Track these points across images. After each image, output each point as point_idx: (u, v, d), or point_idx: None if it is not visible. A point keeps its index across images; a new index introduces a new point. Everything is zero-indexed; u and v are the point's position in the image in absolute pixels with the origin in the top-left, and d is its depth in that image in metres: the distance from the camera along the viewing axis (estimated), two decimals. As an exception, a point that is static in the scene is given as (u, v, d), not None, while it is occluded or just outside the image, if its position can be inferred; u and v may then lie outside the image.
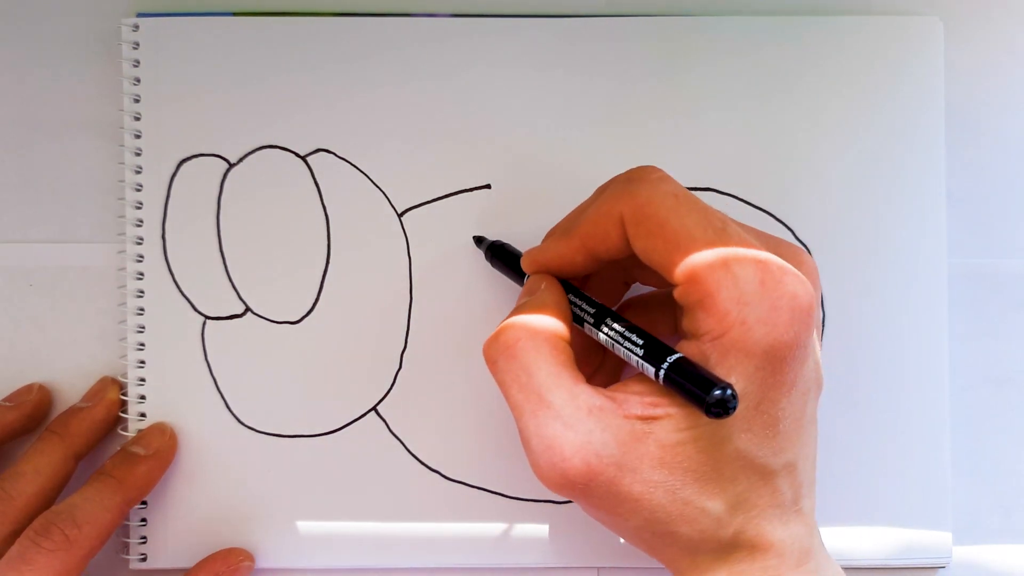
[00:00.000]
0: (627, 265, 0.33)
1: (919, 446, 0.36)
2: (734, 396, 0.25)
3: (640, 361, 0.28)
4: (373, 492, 0.36)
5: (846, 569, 0.36)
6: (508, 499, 0.36)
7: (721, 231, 0.27)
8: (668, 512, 0.27)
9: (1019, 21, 0.38)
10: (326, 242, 0.36)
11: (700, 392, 0.25)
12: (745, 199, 0.36)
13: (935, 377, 0.36)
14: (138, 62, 0.36)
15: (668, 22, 0.36)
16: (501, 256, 0.34)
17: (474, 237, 0.36)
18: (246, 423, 0.36)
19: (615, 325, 0.29)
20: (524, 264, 0.32)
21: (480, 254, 0.36)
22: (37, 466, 0.33)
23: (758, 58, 0.36)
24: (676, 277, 0.27)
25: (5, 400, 0.36)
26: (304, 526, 0.36)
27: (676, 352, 0.27)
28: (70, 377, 0.37)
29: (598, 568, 0.36)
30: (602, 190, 0.31)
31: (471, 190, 0.36)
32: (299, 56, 0.36)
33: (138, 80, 0.36)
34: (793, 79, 0.36)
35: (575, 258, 0.30)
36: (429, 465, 0.36)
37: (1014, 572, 0.37)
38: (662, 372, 0.27)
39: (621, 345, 0.28)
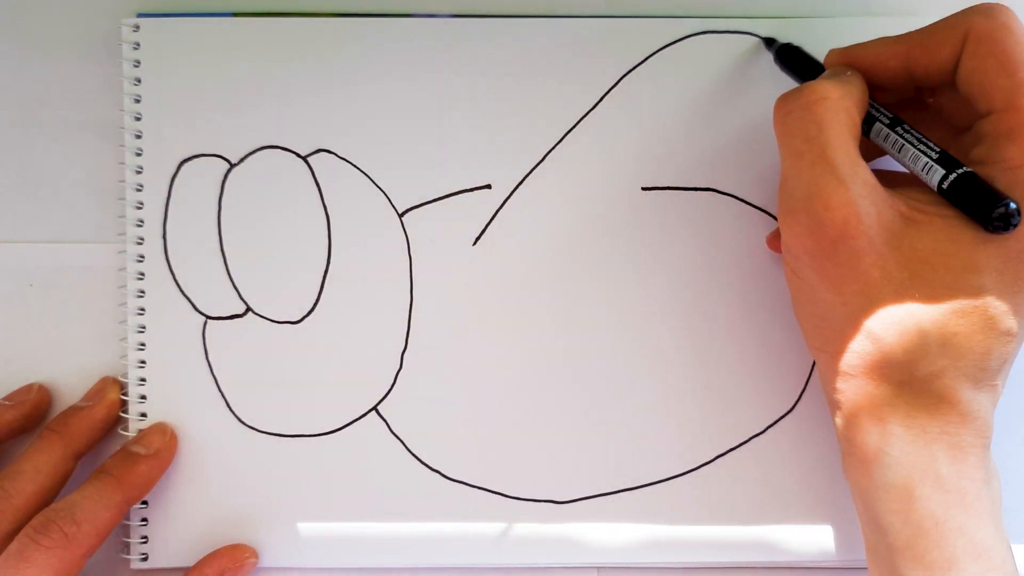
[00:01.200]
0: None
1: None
2: (1018, 212, 0.26)
3: (930, 165, 0.28)
4: (373, 492, 0.36)
5: (846, 569, 0.36)
6: (508, 499, 0.36)
7: None
8: (888, 314, 0.27)
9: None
10: (327, 242, 0.36)
11: (986, 204, 0.26)
12: (745, 199, 0.36)
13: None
14: (139, 62, 0.36)
15: (668, 23, 0.36)
16: (794, 59, 0.34)
17: (763, 39, 0.36)
18: (247, 423, 0.36)
19: (912, 129, 0.29)
20: (831, 56, 0.32)
21: (481, 257, 0.36)
22: (36, 465, 0.33)
23: (758, 58, 0.36)
24: (998, 102, 0.28)
25: (5, 399, 0.36)
26: (304, 526, 0.36)
27: (964, 168, 0.27)
28: (70, 377, 0.37)
29: (598, 568, 0.36)
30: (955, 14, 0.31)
31: (471, 190, 0.36)
32: (299, 56, 0.36)
33: (139, 80, 0.36)
34: (792, 80, 0.36)
35: (891, 63, 0.30)
36: (429, 465, 0.36)
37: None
38: (950, 178, 0.27)
39: (915, 147, 0.29)
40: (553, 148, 0.36)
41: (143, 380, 0.36)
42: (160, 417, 0.36)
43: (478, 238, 0.36)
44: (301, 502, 0.36)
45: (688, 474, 0.36)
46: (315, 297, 0.36)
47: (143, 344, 0.36)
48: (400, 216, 0.36)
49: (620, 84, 0.36)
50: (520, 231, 0.36)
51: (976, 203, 0.27)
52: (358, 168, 0.36)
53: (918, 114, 0.33)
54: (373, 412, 0.36)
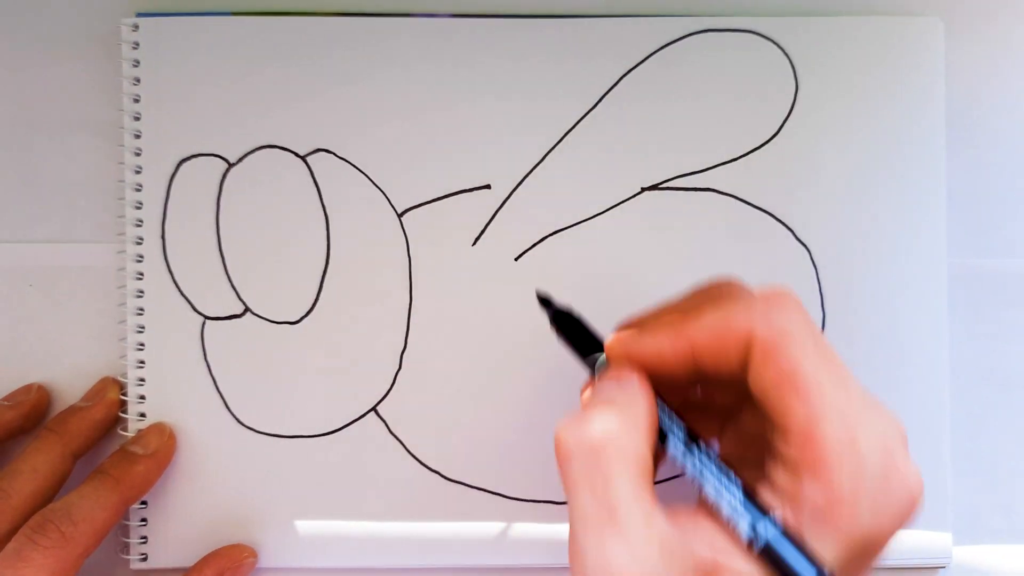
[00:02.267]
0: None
1: (919, 446, 0.36)
2: None
3: (736, 511, 0.25)
4: (373, 492, 0.36)
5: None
6: (508, 499, 0.36)
7: (849, 390, 0.25)
8: None
9: (1019, 21, 0.38)
10: (326, 242, 0.36)
11: (799, 570, 0.23)
12: (745, 199, 0.36)
13: (935, 377, 0.36)
14: (138, 62, 0.36)
15: (668, 22, 0.36)
16: (569, 329, 0.30)
17: (538, 295, 0.31)
18: (246, 423, 0.36)
19: (708, 461, 0.26)
20: (611, 352, 0.28)
21: (481, 258, 0.36)
22: (35, 464, 0.33)
23: (758, 58, 0.36)
24: (794, 430, 0.24)
25: (4, 400, 0.36)
26: (304, 526, 0.36)
27: (771, 519, 0.24)
28: (70, 377, 0.37)
29: (598, 568, 0.36)
30: (722, 296, 0.28)
31: (471, 190, 0.36)
32: (298, 56, 0.36)
33: (138, 80, 0.36)
34: (792, 79, 0.36)
35: (675, 364, 0.27)
36: (429, 465, 0.36)
37: (1014, 572, 0.37)
38: (759, 543, 0.24)
39: (713, 486, 0.25)
40: (553, 148, 0.36)
41: (142, 380, 0.36)
42: (159, 417, 0.36)
43: (478, 238, 0.36)
44: (300, 502, 0.36)
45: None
46: (314, 297, 0.36)
47: (142, 344, 0.36)
48: (399, 216, 0.36)
49: (620, 84, 0.36)
50: (520, 231, 0.36)
51: (788, 568, 0.23)
52: (357, 168, 0.36)
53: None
54: (372, 412, 0.36)
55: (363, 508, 0.36)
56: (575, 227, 0.36)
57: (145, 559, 0.36)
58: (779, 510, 0.24)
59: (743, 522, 0.24)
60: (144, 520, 0.36)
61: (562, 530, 0.36)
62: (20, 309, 0.37)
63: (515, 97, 0.36)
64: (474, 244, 0.36)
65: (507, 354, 0.36)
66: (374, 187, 0.36)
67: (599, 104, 0.36)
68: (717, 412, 0.30)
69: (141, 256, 0.36)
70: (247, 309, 0.36)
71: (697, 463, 0.26)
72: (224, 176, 0.36)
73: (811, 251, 0.36)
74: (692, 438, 0.26)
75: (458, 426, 0.36)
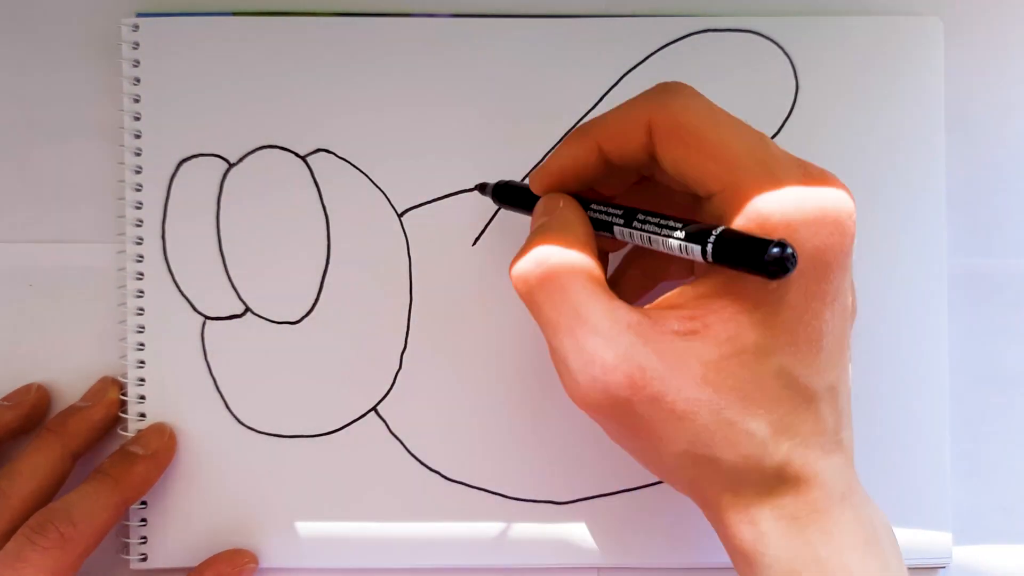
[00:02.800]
0: (650, 264, 0.32)
1: (919, 446, 0.36)
2: (793, 254, 0.24)
3: (685, 245, 0.26)
4: (373, 492, 0.36)
5: (846, 569, 0.36)
6: (508, 499, 0.36)
7: (760, 140, 0.27)
8: (712, 434, 0.26)
9: (1019, 21, 0.38)
10: (326, 242, 0.36)
11: (756, 254, 0.24)
12: (745, 199, 0.36)
13: (935, 377, 0.36)
14: (138, 62, 0.36)
15: (668, 22, 0.36)
16: (509, 195, 0.33)
17: (476, 186, 0.35)
18: (246, 423, 0.36)
19: (648, 218, 0.27)
20: (533, 183, 0.31)
21: (481, 257, 0.36)
22: (34, 465, 0.33)
23: (758, 58, 0.36)
24: (713, 186, 0.26)
25: (3, 400, 0.36)
26: (304, 526, 0.36)
27: (715, 230, 0.25)
28: (69, 377, 0.37)
29: (598, 568, 0.36)
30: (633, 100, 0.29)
31: (471, 190, 0.36)
32: (299, 56, 0.36)
33: (138, 80, 0.36)
34: (792, 79, 0.36)
35: (588, 160, 0.29)
36: (429, 465, 0.36)
37: (1014, 572, 0.37)
38: (710, 246, 0.25)
39: (659, 235, 0.27)
40: (553, 148, 0.36)
41: (142, 380, 0.36)
42: (159, 417, 0.36)
43: (478, 238, 0.36)
44: (300, 502, 0.36)
45: (688, 474, 0.36)
46: (314, 297, 0.36)
47: (142, 344, 0.36)
48: (399, 216, 0.36)
49: (620, 84, 0.36)
50: (520, 231, 0.36)
51: (746, 257, 0.24)
52: (357, 168, 0.36)
53: (651, 191, 0.31)
54: (372, 412, 0.36)
55: (363, 508, 0.36)
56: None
57: (145, 559, 0.36)
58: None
59: (695, 248, 0.26)
60: (144, 520, 0.36)
61: (563, 531, 0.36)
62: (20, 309, 0.37)
63: (515, 97, 0.36)
64: (474, 244, 0.36)
65: (507, 354, 0.36)
66: (374, 187, 0.36)
67: (599, 104, 0.36)
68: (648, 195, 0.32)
69: (141, 256, 0.36)
70: (247, 309, 0.36)
71: (646, 227, 0.27)
72: (224, 176, 0.36)
73: (811, 251, 0.36)
74: (630, 215, 0.28)
75: (458, 426, 0.36)
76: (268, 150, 0.36)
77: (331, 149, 0.36)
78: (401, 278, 0.36)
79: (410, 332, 0.36)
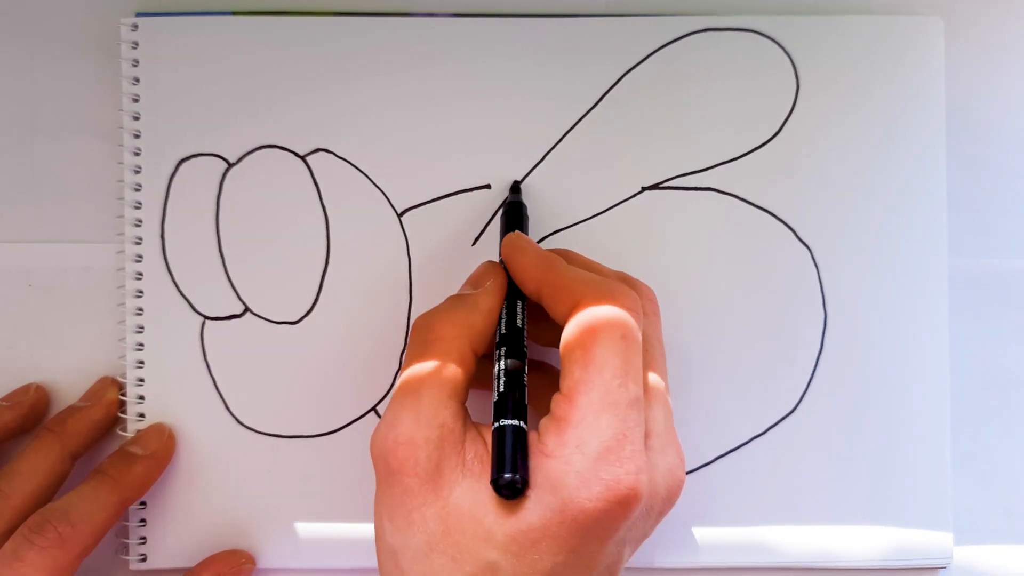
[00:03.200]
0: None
1: (920, 446, 0.36)
2: (525, 483, 0.26)
3: (495, 407, 0.28)
4: (373, 492, 0.36)
5: (847, 570, 0.36)
6: (508, 500, 0.36)
7: (628, 393, 0.28)
8: (413, 565, 0.27)
9: (1020, 20, 0.38)
10: (325, 242, 0.36)
11: (496, 467, 0.26)
12: (746, 199, 0.36)
13: (935, 377, 0.36)
14: (137, 62, 0.36)
15: (668, 21, 0.36)
16: (510, 216, 0.34)
17: (514, 184, 0.36)
18: (245, 423, 0.36)
19: (500, 363, 0.29)
20: (506, 245, 0.32)
21: (480, 257, 0.36)
22: (33, 464, 0.33)
23: (759, 57, 0.36)
24: (564, 386, 0.28)
25: (3, 400, 0.35)
26: (303, 526, 0.36)
27: (511, 421, 0.27)
28: (69, 377, 0.36)
29: (598, 569, 0.36)
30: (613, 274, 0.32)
31: (471, 190, 0.36)
32: (299, 56, 0.36)
33: (137, 80, 0.36)
34: (793, 78, 0.36)
35: (529, 287, 0.31)
36: (429, 465, 0.36)
37: (1015, 573, 0.37)
38: (493, 426, 0.28)
39: (497, 378, 0.29)
40: (553, 147, 0.36)
41: (141, 380, 0.36)
42: (158, 417, 0.36)
43: (477, 238, 0.36)
44: (300, 503, 0.36)
45: (689, 475, 0.36)
46: (314, 297, 0.36)
47: (141, 344, 0.36)
48: (399, 216, 0.36)
49: (621, 83, 0.36)
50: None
51: (494, 462, 0.27)
52: (357, 168, 0.36)
53: None
54: (372, 412, 0.36)
55: (363, 508, 0.36)
56: (575, 226, 0.36)
57: (144, 560, 0.36)
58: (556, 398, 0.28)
59: (498, 416, 0.28)
60: (143, 521, 0.36)
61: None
62: (19, 309, 0.37)
63: (515, 97, 0.36)
64: (474, 244, 0.36)
65: (507, 354, 0.36)
66: (374, 187, 0.36)
67: (599, 103, 0.36)
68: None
69: (140, 256, 0.36)
70: (247, 309, 0.36)
71: (495, 369, 0.29)
72: (224, 176, 0.36)
73: (812, 251, 0.36)
74: (503, 346, 0.30)
75: (458, 426, 0.36)
76: (268, 150, 0.36)
77: (331, 149, 0.36)
78: (401, 278, 0.36)
79: (410, 332, 0.36)
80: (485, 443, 0.28)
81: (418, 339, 0.29)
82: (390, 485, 0.28)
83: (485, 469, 0.27)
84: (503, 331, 0.30)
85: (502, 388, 0.29)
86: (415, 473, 0.27)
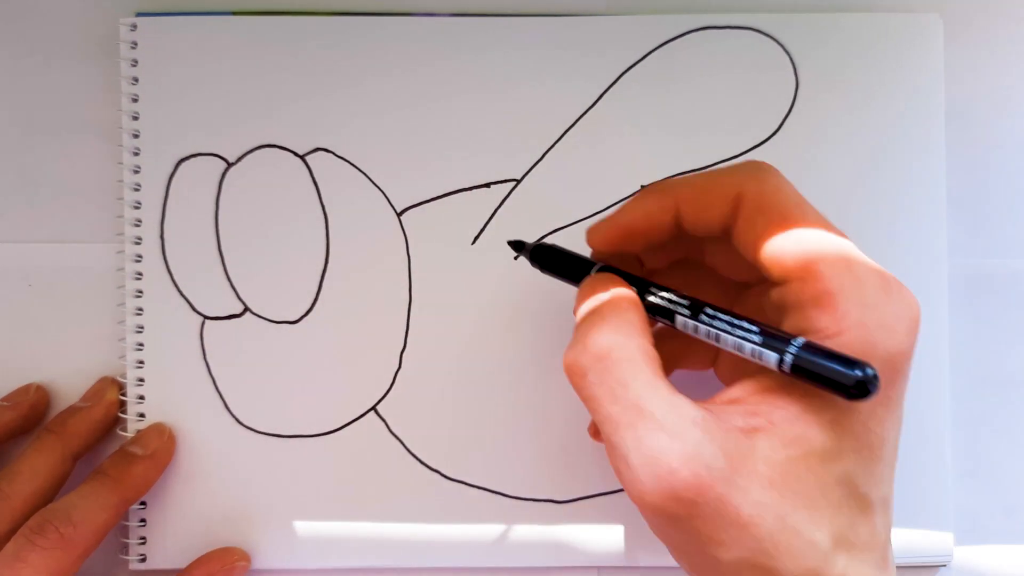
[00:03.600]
0: (703, 245, 0.31)
1: (920, 446, 0.36)
2: (876, 378, 0.23)
3: (758, 350, 0.25)
4: (373, 492, 0.36)
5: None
6: (508, 499, 0.36)
7: (840, 235, 0.26)
8: (775, 542, 0.24)
9: (1019, 19, 0.38)
10: (325, 242, 0.36)
11: (840, 373, 0.23)
12: (745, 198, 0.36)
13: (936, 377, 0.36)
14: (136, 62, 0.36)
15: (667, 20, 0.36)
16: (550, 259, 0.31)
17: (509, 243, 0.34)
18: (245, 423, 0.36)
19: (719, 314, 0.26)
20: (593, 236, 0.30)
21: (480, 256, 0.36)
22: (34, 465, 0.33)
23: (758, 55, 0.36)
24: (791, 271, 0.25)
25: (2, 400, 0.36)
26: (304, 526, 0.36)
27: (795, 340, 0.24)
28: (69, 377, 0.36)
29: (598, 568, 0.36)
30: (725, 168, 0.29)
31: (471, 189, 0.36)
32: (298, 56, 0.36)
33: (136, 80, 0.36)
34: (792, 77, 0.36)
35: (663, 220, 0.28)
36: (429, 465, 0.36)
37: (1015, 572, 0.37)
38: (789, 357, 0.24)
39: (731, 334, 0.26)
40: (552, 146, 0.36)
41: (141, 380, 0.36)
42: (158, 417, 0.36)
43: (477, 237, 0.36)
44: (300, 502, 0.36)
45: (688, 474, 0.36)
46: (313, 297, 0.36)
47: (141, 344, 0.36)
48: (399, 215, 0.36)
49: (620, 81, 0.36)
50: (520, 230, 0.36)
51: (828, 375, 0.24)
52: (356, 167, 0.36)
53: (692, 272, 0.31)
54: (372, 412, 0.36)
55: (363, 508, 0.36)
56: (575, 225, 0.36)
57: (144, 560, 0.36)
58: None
59: (771, 355, 0.25)
60: (143, 521, 0.36)
61: (563, 530, 0.36)
62: (18, 309, 0.37)
63: (514, 96, 0.36)
64: (473, 243, 0.36)
65: (507, 353, 0.36)
66: (373, 186, 0.36)
67: (599, 102, 0.36)
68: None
69: (140, 256, 0.36)
70: (246, 309, 0.36)
71: (715, 324, 0.26)
72: (223, 176, 0.36)
73: (811, 250, 0.36)
74: (696, 306, 0.27)
75: (458, 426, 0.36)
76: (267, 149, 0.36)
77: (330, 148, 0.36)
78: (400, 277, 0.36)
79: (410, 331, 0.36)
80: (729, 400, 0.26)
81: (592, 359, 0.26)
82: (697, 513, 0.24)
83: (760, 414, 0.25)
84: (682, 300, 0.27)
85: (751, 325, 0.25)
86: (715, 481, 0.24)
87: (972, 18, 0.37)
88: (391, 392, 0.36)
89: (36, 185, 0.37)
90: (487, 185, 0.36)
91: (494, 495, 0.36)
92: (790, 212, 0.26)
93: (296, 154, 0.36)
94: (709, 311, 0.27)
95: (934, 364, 0.36)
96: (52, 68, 0.37)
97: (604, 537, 0.36)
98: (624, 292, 0.28)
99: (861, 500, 0.25)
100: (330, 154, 0.36)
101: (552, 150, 0.36)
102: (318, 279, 0.36)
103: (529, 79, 0.36)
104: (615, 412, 0.25)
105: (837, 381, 0.23)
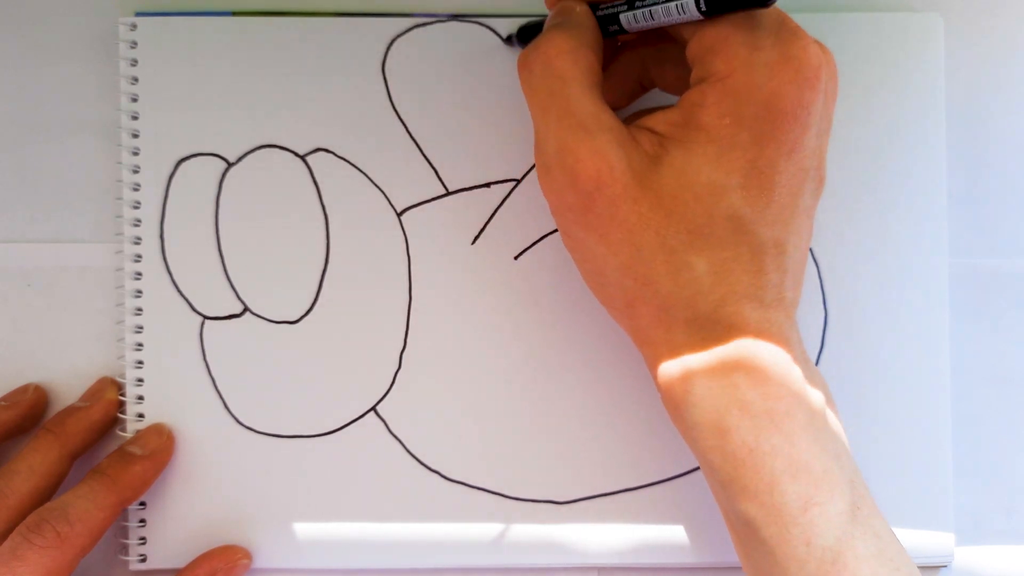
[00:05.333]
0: (646, 61, 0.33)
1: (921, 446, 0.36)
2: None
3: (681, 3, 0.27)
4: (372, 492, 0.36)
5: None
6: (508, 499, 0.36)
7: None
8: (654, 255, 0.28)
9: (1020, 18, 0.37)
10: (325, 242, 0.36)
11: None
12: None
13: (936, 377, 0.36)
14: (136, 61, 0.36)
15: (668, 20, 0.36)
16: (534, 33, 0.33)
17: (504, 39, 0.36)
18: (245, 423, 0.36)
19: None
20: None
21: (480, 256, 0.36)
22: (32, 464, 0.33)
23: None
24: (688, 28, 0.28)
25: (1, 400, 0.35)
26: (303, 527, 0.36)
27: None
28: (68, 377, 0.36)
29: (598, 568, 0.36)
30: None
31: (470, 189, 0.36)
32: (298, 56, 0.36)
33: (136, 79, 0.36)
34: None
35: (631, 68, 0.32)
36: (429, 465, 0.36)
37: (1016, 572, 0.37)
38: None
39: (659, 2, 0.28)
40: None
41: (140, 380, 0.36)
42: (158, 418, 0.36)
43: (477, 237, 0.36)
44: (300, 503, 0.36)
45: (689, 474, 0.36)
46: (313, 297, 0.36)
47: (140, 344, 0.36)
48: (399, 215, 0.36)
49: (619, 82, 0.36)
50: (519, 230, 0.36)
51: None
52: (356, 167, 0.36)
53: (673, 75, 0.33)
54: (372, 412, 0.36)
55: (363, 508, 0.36)
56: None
57: (144, 560, 0.36)
58: (688, 96, 0.28)
59: (689, 1, 0.27)
60: (143, 521, 0.36)
61: (563, 531, 0.36)
62: (18, 309, 0.37)
63: (514, 96, 0.36)
64: (473, 243, 0.36)
65: (507, 353, 0.36)
66: (373, 186, 0.36)
67: (599, 102, 0.36)
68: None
69: (140, 256, 0.36)
70: (246, 309, 0.36)
71: (643, 7, 0.29)
72: (223, 176, 0.36)
73: (812, 249, 0.36)
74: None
75: (458, 426, 0.36)
76: (267, 149, 0.36)
77: (330, 148, 0.36)
78: (400, 277, 0.36)
79: (409, 331, 0.36)
80: (645, 127, 0.29)
81: (541, 56, 0.29)
82: (592, 206, 0.28)
83: (666, 141, 0.28)
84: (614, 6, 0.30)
85: None
86: (614, 180, 0.27)
87: (972, 18, 0.37)
88: (391, 393, 0.36)
89: (36, 185, 0.37)
90: (487, 185, 0.36)
91: (494, 495, 0.36)
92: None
93: (296, 154, 0.36)
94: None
95: (935, 363, 0.36)
96: (52, 68, 0.37)
97: (604, 537, 0.36)
98: (583, 11, 0.30)
99: (748, 238, 0.28)
100: (330, 154, 0.36)
101: (552, 150, 0.36)
102: (318, 279, 0.36)
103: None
104: (548, 105, 0.28)
105: None
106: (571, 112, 0.28)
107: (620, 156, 0.27)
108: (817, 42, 0.28)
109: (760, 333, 0.27)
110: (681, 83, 0.30)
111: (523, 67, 0.29)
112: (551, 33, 0.29)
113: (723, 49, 0.27)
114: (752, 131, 0.27)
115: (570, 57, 0.28)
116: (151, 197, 0.36)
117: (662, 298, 0.28)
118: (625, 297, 0.29)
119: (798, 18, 0.36)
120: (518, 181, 0.36)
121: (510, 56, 0.36)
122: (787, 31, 0.27)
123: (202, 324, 0.36)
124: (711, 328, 0.27)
